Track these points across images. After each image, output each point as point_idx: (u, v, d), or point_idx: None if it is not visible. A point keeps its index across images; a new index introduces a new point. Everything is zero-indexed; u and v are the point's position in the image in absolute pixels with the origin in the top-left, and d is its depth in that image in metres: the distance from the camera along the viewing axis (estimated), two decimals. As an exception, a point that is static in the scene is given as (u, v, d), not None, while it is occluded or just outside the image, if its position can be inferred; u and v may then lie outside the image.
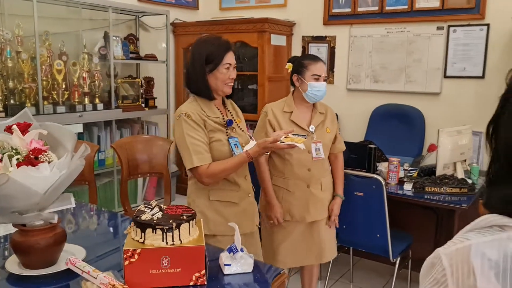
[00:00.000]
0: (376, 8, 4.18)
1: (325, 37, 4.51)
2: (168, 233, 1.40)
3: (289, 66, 2.36)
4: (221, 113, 1.96)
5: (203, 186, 1.91)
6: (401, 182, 2.86)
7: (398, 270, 2.68)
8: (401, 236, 2.77)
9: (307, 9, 4.57)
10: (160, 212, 1.50)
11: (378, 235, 2.59)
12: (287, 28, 4.60)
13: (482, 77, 3.77)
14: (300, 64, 2.31)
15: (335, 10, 4.42)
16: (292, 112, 2.32)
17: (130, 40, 4.28)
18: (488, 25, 3.70)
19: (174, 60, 4.87)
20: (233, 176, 1.94)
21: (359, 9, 4.28)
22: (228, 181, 1.94)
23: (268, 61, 4.38)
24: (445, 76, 3.94)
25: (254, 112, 4.45)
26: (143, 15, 4.47)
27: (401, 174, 2.94)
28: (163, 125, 4.58)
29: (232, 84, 1.95)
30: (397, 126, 4.09)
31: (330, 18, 4.45)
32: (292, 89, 2.41)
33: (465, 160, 2.98)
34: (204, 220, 1.82)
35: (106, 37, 3.96)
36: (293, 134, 1.89)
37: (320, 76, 2.28)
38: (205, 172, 1.84)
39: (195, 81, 1.91)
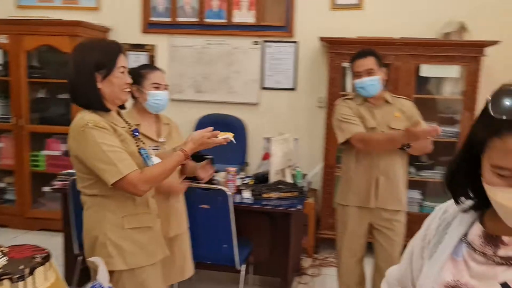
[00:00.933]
0: (196, 19, 4.23)
1: (144, 45, 4.35)
2: (19, 282, 1.11)
3: None
4: (126, 122, 1.76)
5: (112, 216, 1.64)
6: (239, 191, 2.93)
7: (245, 277, 2.74)
8: (243, 243, 2.83)
9: (123, 15, 4.33)
10: (4, 257, 1.17)
11: (224, 246, 2.60)
12: (102, 34, 4.25)
13: (294, 89, 4.18)
14: (138, 74, 2.21)
15: (153, 18, 4.30)
16: (139, 124, 2.18)
17: None
18: (296, 42, 4.11)
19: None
20: (145, 196, 1.70)
21: (179, 19, 4.26)
22: (139, 204, 1.71)
23: (83, 68, 3.97)
24: (263, 88, 4.22)
25: (66, 124, 3.96)
26: None
27: (238, 182, 3.01)
28: None
29: (129, 90, 1.73)
30: (221, 136, 4.19)
31: (150, 27, 4.31)
32: (133, 102, 2.29)
33: (290, 166, 3.23)
34: (119, 254, 1.62)
35: None
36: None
37: (160, 84, 2.24)
38: (140, 178, 1.59)
39: (83, 93, 1.64)
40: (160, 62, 4.30)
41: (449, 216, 0.92)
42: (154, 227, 1.78)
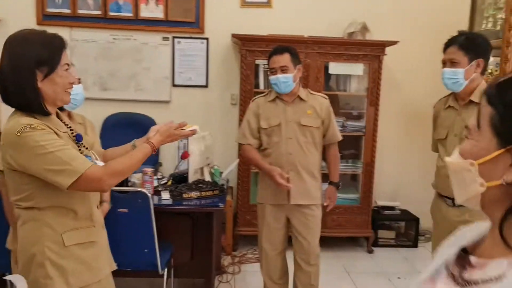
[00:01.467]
0: (99, 12, 3.97)
1: (41, 38, 3.97)
2: None
3: None
4: (67, 126, 1.56)
5: (51, 232, 1.45)
6: (156, 192, 2.80)
7: (167, 280, 2.63)
8: (164, 246, 2.71)
9: (15, 5, 3.91)
10: None
11: (146, 251, 2.47)
12: (-12, 24, 3.81)
13: (206, 86, 4.12)
14: None
15: (50, 10, 3.94)
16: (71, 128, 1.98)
17: None
18: (207, 39, 4.06)
19: None
20: (89, 206, 1.54)
21: (80, 11, 3.96)
22: (82, 217, 1.52)
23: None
24: (174, 85, 4.10)
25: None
26: None
27: (155, 183, 2.88)
28: None
29: (71, 90, 1.52)
30: (131, 136, 3.92)
31: (45, 18, 3.95)
32: None
33: (209, 164, 3.18)
34: (60, 274, 1.45)
35: None
36: None
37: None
38: (105, 172, 1.44)
39: (19, 93, 1.40)
40: (59, 57, 3.97)
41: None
42: (98, 241, 1.60)
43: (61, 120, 1.56)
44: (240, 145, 2.75)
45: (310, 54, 3.71)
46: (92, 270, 1.55)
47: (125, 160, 1.55)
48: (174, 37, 4.04)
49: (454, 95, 2.20)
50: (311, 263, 2.61)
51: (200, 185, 2.84)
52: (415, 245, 4.07)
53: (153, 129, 1.71)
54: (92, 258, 1.55)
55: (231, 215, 3.73)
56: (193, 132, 1.76)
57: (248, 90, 3.75)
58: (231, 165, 3.53)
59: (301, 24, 3.95)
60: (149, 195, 2.42)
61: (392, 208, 4.08)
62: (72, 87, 1.53)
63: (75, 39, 4.00)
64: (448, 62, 2.11)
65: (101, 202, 2.19)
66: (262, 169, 2.58)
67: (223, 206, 2.70)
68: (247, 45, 3.69)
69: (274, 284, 2.67)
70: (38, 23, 3.94)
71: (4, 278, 1.32)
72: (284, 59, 2.46)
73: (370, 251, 3.91)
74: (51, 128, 1.43)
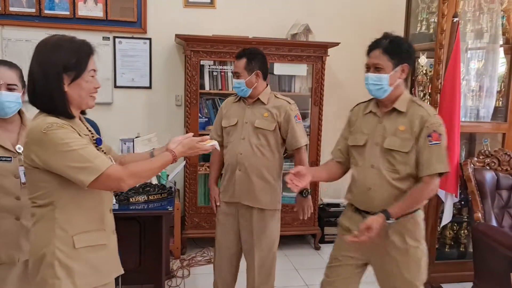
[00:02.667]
0: (33, 10, 3.76)
1: (-33, 37, 3.71)
2: None
3: None
4: (88, 129, 1.62)
5: (62, 233, 1.50)
6: (101, 197, 2.70)
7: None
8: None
9: None
10: None
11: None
12: None
13: (150, 87, 4.03)
14: None
15: (-22, 6, 3.69)
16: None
17: None
18: (150, 39, 3.97)
19: None
20: (102, 209, 1.58)
21: (12, 9, 3.74)
22: (93, 220, 1.57)
23: None
24: (116, 86, 3.97)
25: None
26: None
27: (100, 188, 2.78)
28: None
29: (96, 95, 1.59)
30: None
31: (-28, 15, 3.69)
32: None
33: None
34: (67, 275, 1.49)
35: None
36: None
37: (11, 84, 1.90)
38: (125, 172, 1.49)
39: (47, 96, 1.47)
40: (-11, 57, 3.72)
41: None
42: (108, 244, 1.62)
43: (85, 126, 1.63)
44: None
45: (255, 55, 3.73)
46: (100, 273, 1.59)
47: (145, 164, 1.63)
48: (115, 37, 3.91)
49: (376, 101, 2.05)
50: (250, 266, 2.57)
51: (147, 188, 2.77)
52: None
53: (174, 141, 1.74)
54: (100, 261, 1.59)
55: (179, 218, 3.67)
56: (213, 147, 1.77)
57: (194, 91, 3.71)
58: (177, 167, 3.48)
59: (245, 25, 3.97)
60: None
61: (337, 205, 4.19)
62: (97, 92, 1.59)
63: (7, 38, 3.77)
64: (372, 67, 1.96)
65: None
66: (209, 181, 2.75)
67: (172, 209, 2.65)
68: (192, 46, 3.64)
69: (225, 286, 2.66)
70: (-36, 21, 3.68)
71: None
72: (240, 64, 2.48)
73: (317, 248, 4.00)
74: (74, 129, 1.49)
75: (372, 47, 1.98)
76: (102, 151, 1.62)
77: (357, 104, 2.21)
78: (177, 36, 3.70)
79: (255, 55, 2.51)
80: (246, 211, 2.55)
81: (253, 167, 2.50)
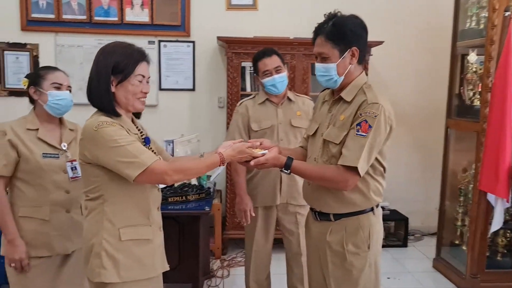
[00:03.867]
0: (84, 17, 3.95)
1: (25, 44, 3.95)
2: None
3: (24, 81, 2.07)
4: (138, 129, 1.73)
5: (110, 225, 1.60)
6: (142, 197, 2.78)
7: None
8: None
9: (-2, 11, 3.89)
10: None
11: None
12: (-28, 31, 3.79)
13: (193, 89, 4.11)
14: (36, 75, 2.06)
15: (35, 15, 3.92)
16: (38, 129, 2.03)
17: None
18: (193, 42, 4.05)
19: None
20: (148, 206, 1.67)
21: (65, 17, 3.94)
22: (139, 215, 1.66)
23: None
24: (160, 89, 4.09)
25: None
26: None
27: (141, 188, 2.86)
28: None
29: (145, 99, 1.70)
30: (118, 140, 3.98)
31: (30, 24, 3.92)
32: (32, 106, 2.11)
33: (195, 167, 3.16)
34: (113, 265, 1.59)
35: None
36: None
37: (61, 84, 2.06)
38: (170, 167, 1.58)
39: (98, 95, 1.62)
40: (44, 62, 3.93)
41: None
42: (154, 239, 1.70)
43: (136, 126, 1.72)
44: None
45: (296, 56, 3.71)
46: (144, 267, 1.65)
47: (190, 161, 1.72)
48: (160, 41, 4.03)
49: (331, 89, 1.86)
50: (299, 263, 2.60)
51: (186, 188, 2.83)
52: (404, 244, 4.07)
53: (225, 145, 1.78)
54: (145, 255, 1.66)
55: (219, 219, 3.71)
56: (263, 155, 1.75)
57: (235, 92, 3.74)
58: (218, 168, 3.52)
59: (286, 26, 3.95)
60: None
61: (381, 208, 4.07)
62: (146, 96, 1.69)
63: (60, 44, 3.98)
64: (318, 57, 1.75)
65: None
66: (237, 191, 2.58)
67: (209, 209, 2.69)
68: (233, 48, 3.68)
69: (259, 286, 2.66)
70: (22, 29, 3.92)
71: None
72: (276, 60, 2.50)
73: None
74: (122, 127, 1.59)
75: (315, 34, 1.76)
76: (151, 150, 1.71)
77: (323, 90, 1.98)
78: (218, 38, 3.75)
79: (278, 51, 2.57)
80: (289, 210, 2.57)
81: None
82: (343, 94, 1.76)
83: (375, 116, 1.65)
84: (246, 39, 3.69)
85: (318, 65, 1.75)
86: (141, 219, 1.66)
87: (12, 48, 3.93)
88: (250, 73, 3.83)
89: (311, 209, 1.91)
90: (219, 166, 1.69)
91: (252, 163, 1.73)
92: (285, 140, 2.53)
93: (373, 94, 1.71)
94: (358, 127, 1.66)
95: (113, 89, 1.61)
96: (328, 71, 1.72)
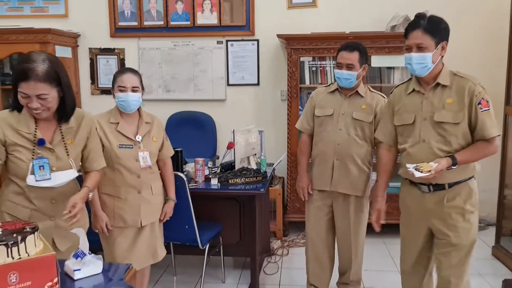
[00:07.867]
0: (162, 22, 4.45)
1: (114, 49, 4.55)
2: (13, 248, 1.34)
3: None
4: (35, 130, 1.87)
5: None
6: (207, 179, 3.17)
7: (208, 256, 2.99)
8: (210, 225, 3.08)
9: (91, 21, 4.52)
10: (-1, 229, 1.41)
11: (187, 227, 2.83)
12: (71, 39, 4.45)
13: (258, 84, 4.45)
14: (113, 78, 2.45)
15: (121, 23, 4.50)
16: (118, 123, 2.41)
17: None
18: (257, 40, 4.39)
19: None
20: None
21: (146, 23, 4.48)
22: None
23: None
24: (228, 84, 4.48)
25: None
26: None
27: (206, 172, 3.25)
28: None
29: (39, 112, 1.82)
30: (191, 131, 4.44)
31: (117, 31, 4.51)
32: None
33: (255, 154, 3.50)
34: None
35: None
36: None
37: (124, 87, 2.37)
38: None
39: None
40: (130, 64, 4.51)
41: None
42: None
43: (59, 126, 1.95)
44: (300, 133, 2.89)
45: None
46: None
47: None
48: (227, 41, 4.42)
49: (417, 79, 2.16)
50: (346, 251, 2.73)
51: (244, 172, 3.16)
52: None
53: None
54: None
55: (280, 203, 4.02)
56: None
57: (294, 85, 4.02)
58: (281, 156, 3.82)
59: (344, 21, 4.14)
60: (185, 178, 2.76)
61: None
62: (38, 111, 1.81)
63: (143, 47, 4.53)
64: (414, 47, 2.05)
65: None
66: (299, 169, 2.83)
67: (263, 190, 3.00)
68: (292, 44, 3.96)
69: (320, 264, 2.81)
70: (111, 36, 4.52)
71: (70, 231, 1.70)
72: (353, 56, 2.53)
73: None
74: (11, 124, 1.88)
75: (411, 28, 2.08)
76: (50, 149, 1.89)
77: (396, 86, 2.33)
78: (278, 36, 4.04)
79: (365, 49, 2.61)
80: (342, 199, 2.67)
81: (350, 156, 2.61)
82: (440, 80, 2.09)
83: (485, 93, 2.05)
84: (304, 35, 3.95)
85: (414, 55, 2.05)
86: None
87: (103, 52, 4.56)
88: (309, 67, 4.08)
89: (419, 184, 2.16)
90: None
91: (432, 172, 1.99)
92: (344, 130, 2.60)
93: (471, 76, 2.09)
94: (480, 105, 2.02)
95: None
96: (424, 59, 2.04)
